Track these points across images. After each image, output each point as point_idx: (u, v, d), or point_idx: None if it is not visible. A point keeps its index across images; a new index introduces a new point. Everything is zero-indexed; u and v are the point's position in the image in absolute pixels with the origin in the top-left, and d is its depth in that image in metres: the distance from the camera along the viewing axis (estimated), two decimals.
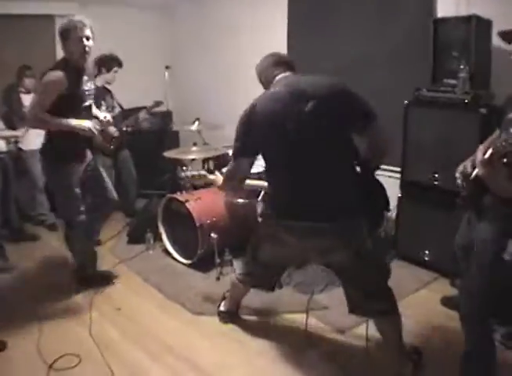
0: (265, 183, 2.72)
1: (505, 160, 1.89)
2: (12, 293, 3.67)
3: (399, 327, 2.58)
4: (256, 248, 2.74)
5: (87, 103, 3.43)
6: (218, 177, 2.91)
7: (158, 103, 5.08)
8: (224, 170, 2.93)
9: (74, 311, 3.38)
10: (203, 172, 3.06)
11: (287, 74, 2.50)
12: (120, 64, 4.82)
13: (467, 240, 2.55)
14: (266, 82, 2.57)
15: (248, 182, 2.73)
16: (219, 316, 3.21)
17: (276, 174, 2.51)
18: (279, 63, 2.55)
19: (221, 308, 3.22)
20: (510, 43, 2.24)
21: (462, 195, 2.38)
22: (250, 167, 2.52)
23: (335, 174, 2.39)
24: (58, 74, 3.13)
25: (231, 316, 3.20)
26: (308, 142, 2.32)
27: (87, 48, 3.21)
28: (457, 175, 2.41)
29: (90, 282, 3.64)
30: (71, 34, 3.17)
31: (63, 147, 3.32)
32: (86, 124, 3.26)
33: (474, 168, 2.26)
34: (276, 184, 2.54)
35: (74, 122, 3.22)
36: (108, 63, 4.77)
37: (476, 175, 2.15)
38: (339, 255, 2.43)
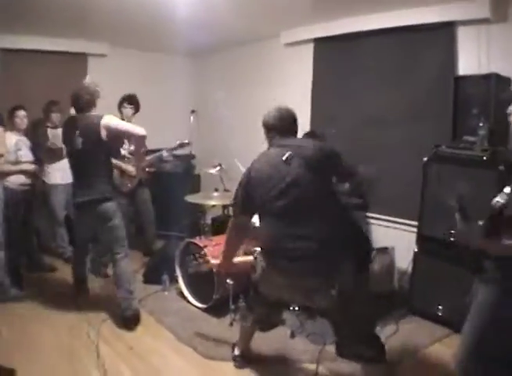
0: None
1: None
2: (23, 321, 3.75)
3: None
4: (255, 286, 2.88)
5: None
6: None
7: (183, 144, 5.16)
8: None
9: (86, 346, 3.41)
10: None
11: (281, 140, 2.76)
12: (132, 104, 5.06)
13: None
14: (267, 139, 2.88)
15: (237, 259, 3.13)
16: (234, 361, 3.23)
17: (269, 223, 2.68)
18: (273, 126, 2.84)
19: (236, 352, 3.25)
20: None
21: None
22: (249, 221, 2.91)
23: (320, 221, 2.55)
24: None
25: (245, 359, 3.23)
26: (296, 197, 2.55)
27: None
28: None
29: None
30: None
31: None
32: None
33: None
34: (268, 232, 2.69)
35: None
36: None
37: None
38: (323, 296, 2.52)
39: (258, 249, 2.85)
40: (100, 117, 3.57)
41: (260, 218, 2.79)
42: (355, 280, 2.57)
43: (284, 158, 2.58)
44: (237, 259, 3.20)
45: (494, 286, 2.24)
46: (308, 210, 2.54)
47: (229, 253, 3.08)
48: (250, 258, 3.00)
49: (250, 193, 2.70)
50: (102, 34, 5.55)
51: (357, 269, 2.62)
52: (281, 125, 2.82)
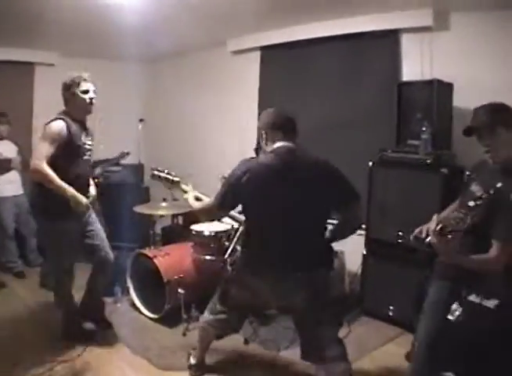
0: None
1: (450, 236, 2.11)
2: None
3: None
4: (224, 292, 2.86)
5: (85, 157, 3.44)
6: (190, 193, 3.02)
7: (123, 155, 5.07)
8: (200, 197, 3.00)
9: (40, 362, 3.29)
10: (176, 179, 3.18)
11: (285, 144, 2.63)
12: None
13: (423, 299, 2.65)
14: (264, 140, 2.73)
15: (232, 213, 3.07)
16: (190, 370, 3.19)
17: (256, 231, 2.66)
18: (281, 126, 2.68)
19: (192, 361, 3.21)
20: (469, 136, 2.39)
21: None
22: (224, 215, 2.98)
23: (309, 236, 2.57)
24: (59, 124, 3.20)
25: (201, 368, 3.20)
26: (287, 210, 2.51)
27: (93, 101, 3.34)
28: (411, 237, 2.54)
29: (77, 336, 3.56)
30: (75, 88, 3.28)
31: (58, 201, 3.16)
32: (84, 200, 3.23)
33: (427, 235, 2.42)
34: (255, 240, 2.68)
35: (72, 192, 3.16)
36: None
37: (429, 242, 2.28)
38: (300, 300, 2.56)
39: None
40: None
41: (247, 223, 2.76)
42: (325, 283, 2.67)
43: (284, 166, 2.54)
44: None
45: (445, 286, 2.34)
46: (299, 218, 2.53)
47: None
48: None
49: (240, 194, 2.59)
50: (50, 42, 5.43)
51: (325, 274, 2.69)
52: (289, 125, 2.70)
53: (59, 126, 3.19)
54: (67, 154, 3.23)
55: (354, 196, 2.63)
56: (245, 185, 2.53)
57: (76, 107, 3.33)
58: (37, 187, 3.29)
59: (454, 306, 2.28)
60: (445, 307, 2.33)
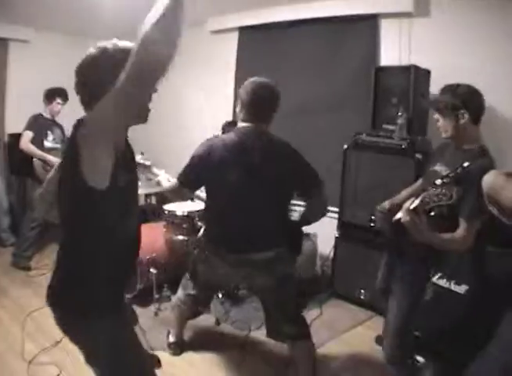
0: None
1: (432, 213, 2.14)
2: None
3: (313, 354, 2.78)
4: (193, 270, 2.89)
5: None
6: (162, 176, 3.06)
7: None
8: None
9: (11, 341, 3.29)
10: (148, 163, 3.16)
11: (248, 125, 2.60)
12: (63, 97, 4.68)
13: (386, 283, 2.68)
14: (238, 112, 2.69)
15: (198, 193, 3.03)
16: (169, 348, 3.21)
17: (216, 210, 2.68)
18: (251, 103, 2.60)
19: (171, 339, 3.24)
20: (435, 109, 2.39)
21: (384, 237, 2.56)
22: (192, 194, 2.90)
23: (268, 216, 2.57)
24: None
25: (180, 346, 3.23)
26: (249, 190, 2.51)
27: None
28: (377, 214, 2.56)
29: None
30: None
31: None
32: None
33: (390, 210, 2.48)
34: (215, 218, 2.71)
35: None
36: (51, 94, 4.70)
37: (398, 219, 2.27)
38: (263, 280, 2.61)
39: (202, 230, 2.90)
40: None
41: (207, 201, 2.77)
42: (290, 262, 2.73)
43: (245, 147, 2.53)
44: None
45: (416, 267, 2.37)
46: (263, 205, 2.54)
47: None
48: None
49: (199, 172, 2.59)
50: (25, 17, 5.25)
51: (292, 253, 2.74)
52: (261, 104, 2.63)
53: None
54: None
55: (315, 182, 2.64)
56: (206, 163, 2.54)
57: None
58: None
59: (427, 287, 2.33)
60: (416, 288, 2.36)
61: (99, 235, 1.59)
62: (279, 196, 2.60)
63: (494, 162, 2.24)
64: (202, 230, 2.90)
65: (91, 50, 1.63)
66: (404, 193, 2.67)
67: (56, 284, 1.70)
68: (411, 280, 2.42)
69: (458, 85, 2.29)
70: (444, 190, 2.15)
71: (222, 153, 2.52)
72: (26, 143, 4.43)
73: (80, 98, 1.64)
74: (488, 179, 1.72)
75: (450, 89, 2.30)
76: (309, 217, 2.77)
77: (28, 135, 4.44)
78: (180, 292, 3.06)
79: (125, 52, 1.42)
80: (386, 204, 2.63)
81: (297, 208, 2.91)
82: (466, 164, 2.08)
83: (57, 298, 1.70)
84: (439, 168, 2.38)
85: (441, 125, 2.34)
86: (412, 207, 2.15)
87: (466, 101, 2.24)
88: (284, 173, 2.53)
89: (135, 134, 5.67)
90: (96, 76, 1.57)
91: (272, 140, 2.61)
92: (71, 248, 1.67)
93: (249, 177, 2.49)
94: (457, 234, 2.18)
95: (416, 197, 2.20)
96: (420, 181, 2.65)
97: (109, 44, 1.61)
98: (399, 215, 2.24)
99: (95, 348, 1.69)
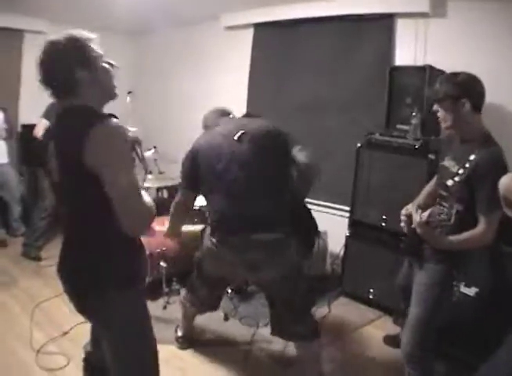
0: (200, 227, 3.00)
1: (439, 229, 2.19)
2: None
3: (319, 355, 2.73)
4: (199, 265, 2.87)
5: None
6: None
7: None
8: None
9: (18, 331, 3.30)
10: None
11: (229, 117, 2.86)
12: None
13: (407, 281, 2.64)
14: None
15: (185, 228, 3.14)
16: (177, 342, 3.22)
17: (216, 199, 2.64)
18: (222, 114, 2.88)
19: (179, 333, 3.25)
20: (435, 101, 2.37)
21: (404, 241, 2.53)
22: (195, 199, 2.86)
23: (268, 198, 2.57)
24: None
25: (188, 340, 3.24)
26: (246, 174, 2.54)
27: None
28: (402, 217, 2.54)
29: None
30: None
31: None
32: None
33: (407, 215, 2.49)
34: (215, 205, 2.67)
35: None
36: None
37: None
38: (268, 273, 2.57)
39: (202, 226, 2.92)
40: None
41: (206, 195, 2.75)
42: (299, 257, 2.67)
43: (236, 136, 2.57)
44: (185, 228, 3.22)
45: (436, 269, 2.33)
46: (257, 187, 2.55)
47: (174, 225, 3.05)
48: (199, 227, 3.05)
49: (197, 168, 2.65)
50: (40, 9, 5.27)
51: (302, 249, 2.71)
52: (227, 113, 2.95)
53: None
54: None
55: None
56: (199, 155, 2.64)
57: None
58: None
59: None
60: (439, 290, 2.32)
61: (109, 209, 1.61)
62: (271, 179, 2.60)
63: (499, 148, 2.21)
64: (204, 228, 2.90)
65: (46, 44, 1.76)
66: (424, 192, 2.66)
67: (69, 256, 1.82)
68: (434, 282, 2.35)
69: (457, 74, 2.27)
70: (445, 209, 2.20)
71: (214, 143, 2.63)
72: (41, 131, 4.43)
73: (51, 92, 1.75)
74: (505, 182, 1.71)
75: (450, 78, 2.28)
76: (300, 184, 2.74)
77: (44, 123, 4.44)
78: (187, 293, 3.07)
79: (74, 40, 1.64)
80: (409, 207, 2.57)
81: None
82: (472, 158, 2.08)
83: (72, 268, 1.80)
84: (448, 162, 2.37)
85: (440, 116, 2.33)
86: (423, 221, 2.21)
87: (467, 89, 2.22)
88: (275, 156, 2.61)
89: (149, 129, 5.73)
90: (59, 70, 1.72)
91: (260, 124, 2.70)
92: (82, 225, 1.74)
93: (239, 162, 2.54)
94: (477, 230, 2.16)
95: (424, 210, 2.27)
96: (435, 178, 2.63)
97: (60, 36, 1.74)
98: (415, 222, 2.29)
99: (109, 317, 1.75)
